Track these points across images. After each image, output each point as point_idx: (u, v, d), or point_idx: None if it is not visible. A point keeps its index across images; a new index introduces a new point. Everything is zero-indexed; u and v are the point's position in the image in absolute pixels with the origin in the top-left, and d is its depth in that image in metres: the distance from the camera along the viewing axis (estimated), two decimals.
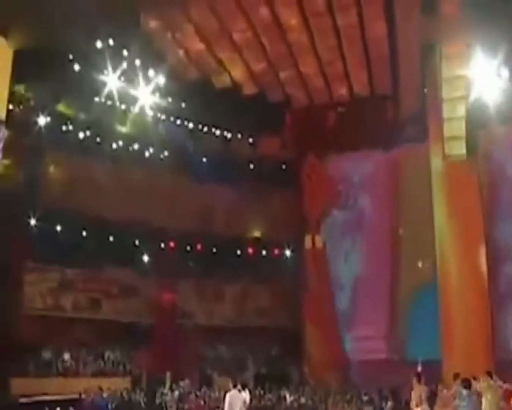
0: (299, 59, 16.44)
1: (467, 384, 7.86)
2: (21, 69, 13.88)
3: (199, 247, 20.95)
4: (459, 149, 15.16)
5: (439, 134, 15.40)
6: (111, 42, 14.96)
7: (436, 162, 15.59)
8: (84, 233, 18.82)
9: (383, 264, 19.24)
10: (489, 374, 9.05)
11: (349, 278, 19.95)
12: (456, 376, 9.65)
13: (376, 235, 19.54)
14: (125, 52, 15.35)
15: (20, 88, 16.59)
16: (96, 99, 17.38)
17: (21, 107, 17.10)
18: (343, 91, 18.14)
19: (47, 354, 17.58)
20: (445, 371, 13.50)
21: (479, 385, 8.72)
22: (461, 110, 14.88)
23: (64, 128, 18.49)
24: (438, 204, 15.46)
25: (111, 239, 19.33)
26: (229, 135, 21.03)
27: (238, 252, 21.18)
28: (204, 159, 20.78)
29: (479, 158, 15.71)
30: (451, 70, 14.78)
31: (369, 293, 18.93)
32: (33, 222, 17.67)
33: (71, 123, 18.55)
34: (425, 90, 16.47)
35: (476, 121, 15.11)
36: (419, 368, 10.72)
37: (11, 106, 15.38)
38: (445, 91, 14.95)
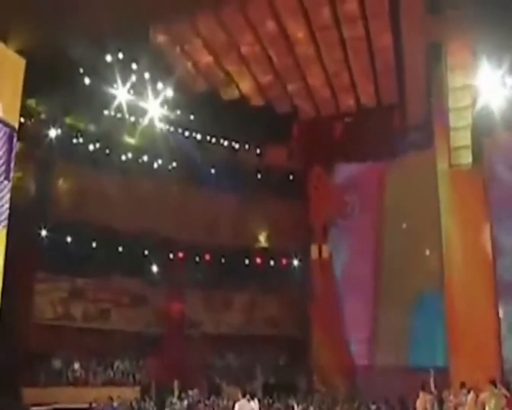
0: (306, 71, 16.61)
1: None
2: (32, 82, 14.16)
3: (207, 257, 21.11)
4: (465, 158, 15.23)
5: (445, 143, 15.50)
6: (120, 56, 15.23)
7: (443, 171, 15.68)
8: (94, 244, 19.05)
9: (386, 270, 19.34)
10: (493, 382, 9.08)
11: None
12: (462, 385, 9.70)
13: (380, 244, 19.63)
14: (134, 66, 15.61)
15: (31, 102, 16.89)
16: (106, 112, 17.65)
17: (32, 120, 17.40)
18: (350, 102, 18.28)
19: (57, 364, 17.75)
20: (452, 378, 13.50)
21: (483, 394, 8.76)
22: (467, 119, 14.96)
23: (74, 140, 18.80)
24: (445, 212, 15.53)
25: (120, 249, 19.55)
26: (236, 146, 21.24)
27: (246, 262, 21.33)
28: (212, 170, 20.99)
29: (485, 166, 15.78)
30: (456, 79, 14.87)
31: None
32: (43, 232, 17.93)
33: (81, 135, 18.86)
34: (431, 99, 16.59)
35: (482, 130, 15.19)
36: (432, 377, 10.73)
37: (22, 120, 15.68)
38: (451, 101, 15.04)
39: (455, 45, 14.87)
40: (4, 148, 11.15)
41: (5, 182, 11.37)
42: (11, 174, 11.62)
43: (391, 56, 15.54)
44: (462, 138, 15.13)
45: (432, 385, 10.73)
